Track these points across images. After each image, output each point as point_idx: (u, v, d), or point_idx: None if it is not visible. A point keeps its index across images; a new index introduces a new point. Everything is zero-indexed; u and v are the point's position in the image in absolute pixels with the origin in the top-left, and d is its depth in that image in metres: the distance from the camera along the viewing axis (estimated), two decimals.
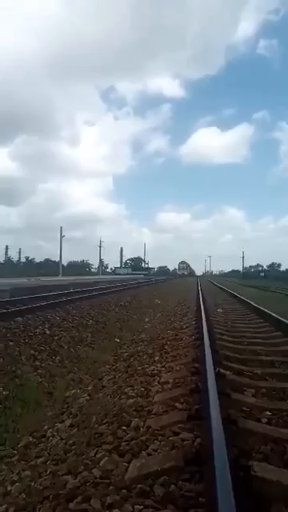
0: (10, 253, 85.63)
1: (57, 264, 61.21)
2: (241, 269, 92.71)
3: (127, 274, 70.64)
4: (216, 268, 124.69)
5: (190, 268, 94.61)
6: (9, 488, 2.38)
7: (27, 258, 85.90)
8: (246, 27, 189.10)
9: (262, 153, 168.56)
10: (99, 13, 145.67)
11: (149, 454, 2.28)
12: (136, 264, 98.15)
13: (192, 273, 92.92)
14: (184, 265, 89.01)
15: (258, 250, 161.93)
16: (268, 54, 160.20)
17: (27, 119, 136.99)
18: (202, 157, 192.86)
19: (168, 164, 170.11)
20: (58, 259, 61.72)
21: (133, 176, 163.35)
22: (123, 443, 2.46)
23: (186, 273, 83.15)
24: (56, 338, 6.78)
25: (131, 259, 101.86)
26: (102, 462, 2.25)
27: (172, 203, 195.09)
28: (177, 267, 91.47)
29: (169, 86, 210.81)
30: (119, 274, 72.01)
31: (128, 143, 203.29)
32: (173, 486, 1.89)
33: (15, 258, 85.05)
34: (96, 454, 2.40)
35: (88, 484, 2.03)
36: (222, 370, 3.63)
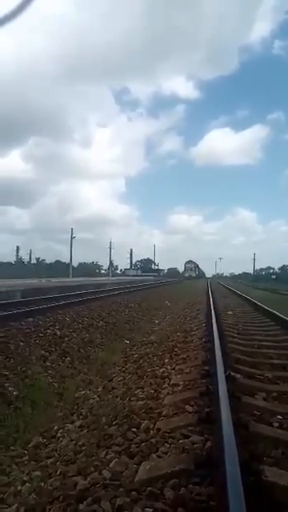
0: (20, 254, 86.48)
1: (67, 265, 61.50)
2: (252, 271, 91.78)
3: (137, 276, 70.53)
4: (227, 270, 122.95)
5: (199, 269, 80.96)
6: (19, 488, 2.40)
7: (38, 259, 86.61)
8: (262, 27, 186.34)
9: (275, 154, 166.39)
10: (112, 14, 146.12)
11: (159, 457, 2.27)
12: (146, 265, 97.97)
13: (201, 274, 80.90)
14: (191, 265, 74.00)
15: (270, 253, 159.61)
16: (284, 54, 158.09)
17: (40, 121, 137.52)
18: (215, 158, 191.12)
19: (180, 165, 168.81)
20: (68, 260, 62.06)
21: (145, 177, 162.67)
22: (133, 445, 2.46)
23: (193, 274, 69.67)
24: (66, 338, 6.81)
25: (141, 261, 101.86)
26: (111, 464, 2.25)
27: (183, 205, 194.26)
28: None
29: (182, 87, 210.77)
30: (129, 276, 71.93)
31: (141, 145, 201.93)
32: (183, 488, 1.88)
33: (26, 259, 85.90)
34: (106, 455, 2.41)
35: (98, 485, 2.03)
36: (232, 373, 3.61)
